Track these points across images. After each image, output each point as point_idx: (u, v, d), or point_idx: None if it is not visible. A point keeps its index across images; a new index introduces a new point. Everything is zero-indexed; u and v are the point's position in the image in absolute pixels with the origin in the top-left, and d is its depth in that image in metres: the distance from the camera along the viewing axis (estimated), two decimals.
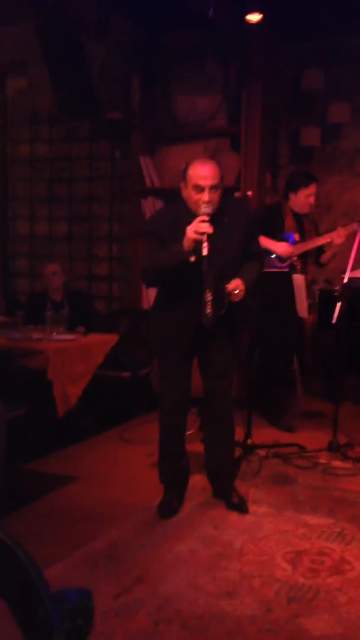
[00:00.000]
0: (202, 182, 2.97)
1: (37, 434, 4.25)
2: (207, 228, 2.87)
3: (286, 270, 4.52)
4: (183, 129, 5.71)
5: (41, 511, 3.33)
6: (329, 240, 4.53)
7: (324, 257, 4.67)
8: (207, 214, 2.92)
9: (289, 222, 4.63)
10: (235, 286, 3.04)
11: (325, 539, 3.00)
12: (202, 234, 2.87)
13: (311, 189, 4.59)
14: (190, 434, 3.92)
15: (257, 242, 3.38)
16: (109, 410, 5.05)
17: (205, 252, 2.86)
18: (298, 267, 4.60)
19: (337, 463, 3.99)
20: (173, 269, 3.00)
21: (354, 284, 4.51)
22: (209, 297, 2.98)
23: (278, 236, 4.59)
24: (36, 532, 3.03)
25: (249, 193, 4.87)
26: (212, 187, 2.98)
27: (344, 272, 4.05)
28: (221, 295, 3.03)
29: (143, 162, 5.70)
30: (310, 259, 4.75)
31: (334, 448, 4.09)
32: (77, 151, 6.24)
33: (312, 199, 4.62)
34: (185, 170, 3.07)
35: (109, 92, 5.72)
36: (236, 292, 3.05)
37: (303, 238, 4.65)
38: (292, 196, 4.63)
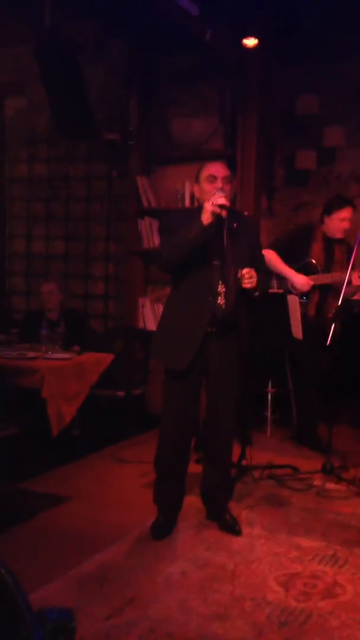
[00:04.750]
0: (215, 172, 3.12)
1: (30, 452, 4.24)
2: (224, 200, 2.97)
3: (281, 291, 4.53)
4: (179, 151, 5.76)
5: (33, 531, 3.31)
6: (348, 279, 4.15)
7: (345, 291, 4.34)
8: (222, 195, 3.00)
9: (317, 247, 4.56)
10: (249, 270, 3.05)
11: (318, 562, 2.98)
12: (221, 206, 2.96)
13: (345, 212, 4.49)
14: None
15: (263, 260, 3.40)
16: (102, 429, 5.03)
17: (224, 214, 2.96)
18: (313, 299, 4.52)
19: (331, 485, 3.98)
20: (191, 244, 3.02)
21: (349, 306, 4.52)
22: (221, 289, 3.07)
23: (299, 262, 4.53)
24: (27, 552, 3.01)
25: (245, 213, 4.90)
26: (225, 178, 3.12)
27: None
28: (233, 290, 3.07)
29: (140, 182, 5.74)
30: (332, 292, 4.51)
31: (328, 470, 4.07)
32: (75, 171, 6.28)
33: (346, 223, 4.50)
34: (198, 173, 3.21)
35: (106, 114, 5.78)
36: (249, 277, 3.04)
37: (329, 265, 4.53)
38: (326, 220, 4.56)
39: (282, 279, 4.56)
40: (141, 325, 5.75)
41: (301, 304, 4.48)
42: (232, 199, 5.25)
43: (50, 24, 4.86)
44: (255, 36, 4.84)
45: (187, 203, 5.57)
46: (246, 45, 4.86)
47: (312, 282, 4.48)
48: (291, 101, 5.60)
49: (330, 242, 4.58)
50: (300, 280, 4.48)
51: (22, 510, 3.55)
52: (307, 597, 2.66)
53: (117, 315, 6.19)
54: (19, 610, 0.87)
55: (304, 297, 4.52)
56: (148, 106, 5.83)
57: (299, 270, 4.53)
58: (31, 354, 4.45)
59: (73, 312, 5.45)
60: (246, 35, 4.84)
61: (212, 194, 3.04)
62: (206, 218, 3.00)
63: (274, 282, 4.61)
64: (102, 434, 4.97)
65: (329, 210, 4.56)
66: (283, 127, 5.79)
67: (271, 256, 4.54)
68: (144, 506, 3.41)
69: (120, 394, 5.12)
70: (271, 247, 4.66)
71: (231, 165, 5.43)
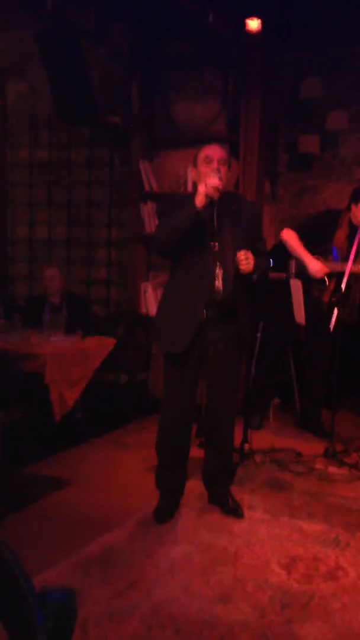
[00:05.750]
0: (212, 154, 3.12)
1: (34, 437, 4.25)
2: (217, 182, 2.97)
3: (284, 275, 4.51)
4: (182, 135, 5.72)
5: (36, 515, 3.33)
6: None
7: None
8: (216, 177, 3.00)
9: (341, 234, 4.43)
10: (245, 253, 3.04)
11: (320, 545, 3.00)
12: (214, 188, 2.96)
13: None
14: None
15: (264, 243, 3.39)
16: (105, 414, 5.05)
17: (217, 195, 2.98)
18: (329, 286, 4.39)
19: (333, 469, 4.00)
20: (185, 226, 3.01)
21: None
22: (219, 272, 3.06)
23: (322, 246, 4.43)
24: (31, 536, 3.03)
25: (247, 197, 4.87)
26: (221, 160, 3.11)
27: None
28: (232, 273, 3.08)
29: (142, 167, 5.71)
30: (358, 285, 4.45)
31: (330, 454, 4.09)
32: (77, 156, 6.25)
33: None
34: (195, 156, 3.21)
35: (108, 98, 5.74)
36: (245, 259, 3.03)
37: (351, 254, 4.24)
38: (353, 208, 4.39)
39: (300, 261, 4.50)
40: (144, 310, 5.75)
41: (317, 289, 4.45)
42: (234, 183, 5.26)
43: (52, 7, 4.82)
44: (258, 18, 4.79)
45: (190, 188, 5.53)
46: (249, 26, 4.80)
47: (326, 269, 4.37)
48: (295, 85, 5.55)
49: (355, 230, 4.34)
50: (315, 267, 4.37)
51: (25, 494, 3.57)
52: (309, 579, 2.68)
53: (119, 300, 6.19)
54: (22, 591, 0.88)
55: (318, 284, 4.47)
56: (150, 90, 5.78)
57: (318, 254, 4.45)
58: (34, 339, 4.45)
59: (75, 297, 5.44)
60: (249, 17, 4.78)
61: (207, 175, 3.03)
62: (199, 200, 2.98)
63: (293, 264, 4.55)
64: (105, 418, 4.98)
65: (356, 198, 4.40)
66: (286, 112, 5.75)
67: (291, 237, 4.50)
68: (147, 490, 3.43)
69: (123, 378, 5.12)
70: (293, 228, 4.60)
71: (234, 149, 5.44)
